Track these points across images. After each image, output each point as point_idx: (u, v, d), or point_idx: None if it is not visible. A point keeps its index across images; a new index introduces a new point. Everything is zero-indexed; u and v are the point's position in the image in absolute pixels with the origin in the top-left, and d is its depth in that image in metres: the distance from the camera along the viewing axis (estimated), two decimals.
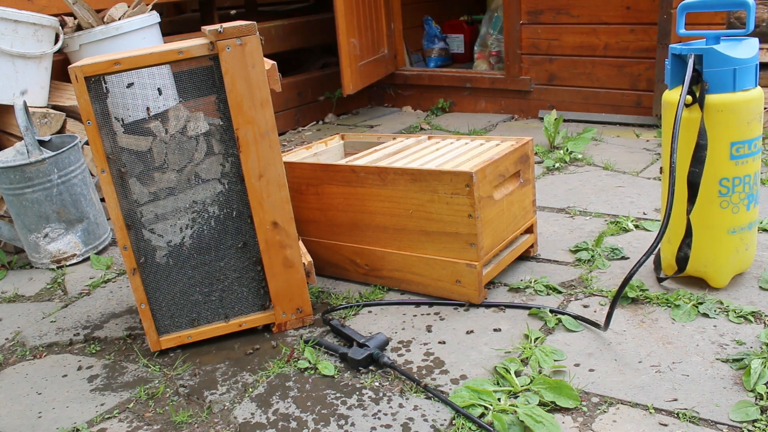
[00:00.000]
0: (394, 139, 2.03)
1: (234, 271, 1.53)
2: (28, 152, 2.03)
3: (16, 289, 2.00)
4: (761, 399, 1.19)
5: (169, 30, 3.11)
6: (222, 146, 1.45)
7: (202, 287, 1.52)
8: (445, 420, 1.23)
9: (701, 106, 1.45)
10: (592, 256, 1.80)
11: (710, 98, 1.44)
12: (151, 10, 2.63)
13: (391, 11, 3.78)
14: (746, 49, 1.45)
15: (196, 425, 1.29)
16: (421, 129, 3.41)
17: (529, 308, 1.57)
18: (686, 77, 1.43)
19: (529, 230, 1.83)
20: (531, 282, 1.69)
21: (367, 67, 3.58)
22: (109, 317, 1.76)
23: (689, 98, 1.46)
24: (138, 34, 2.53)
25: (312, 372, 1.42)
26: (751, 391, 1.22)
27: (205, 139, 1.45)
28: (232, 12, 4.52)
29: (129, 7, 2.59)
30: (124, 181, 1.42)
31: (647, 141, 2.85)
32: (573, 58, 3.24)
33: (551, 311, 1.54)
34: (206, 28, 1.42)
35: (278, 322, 1.58)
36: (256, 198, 1.47)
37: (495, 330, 1.51)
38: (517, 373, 1.32)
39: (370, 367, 1.41)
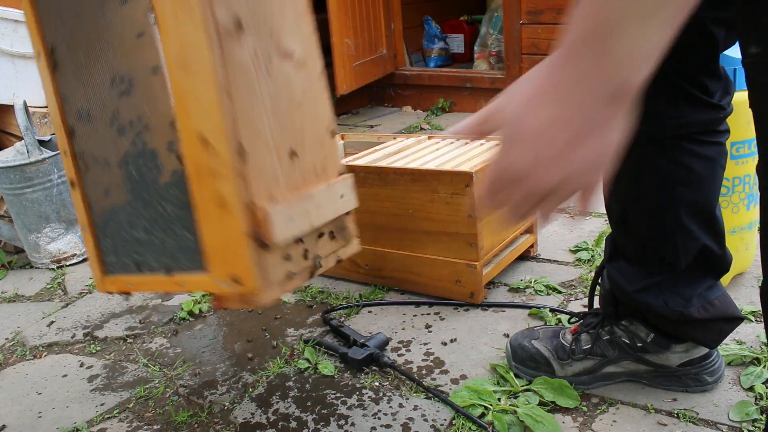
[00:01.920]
0: (394, 139, 2.03)
1: (173, 204, 1.02)
2: (28, 152, 2.03)
3: (16, 289, 2.00)
4: (761, 399, 1.19)
5: None
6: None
7: (144, 221, 1.09)
8: (445, 420, 1.23)
9: None
10: (592, 256, 1.80)
11: None
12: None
13: (391, 11, 3.78)
14: None
15: (196, 425, 1.29)
16: (421, 129, 3.41)
17: (529, 308, 1.57)
18: None
19: (529, 230, 1.83)
20: (531, 282, 1.70)
21: (363, 67, 3.58)
22: (109, 317, 1.76)
23: None
24: None
25: (312, 372, 1.42)
26: (751, 390, 1.22)
27: None
28: None
29: None
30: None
31: None
32: None
33: (551, 311, 1.54)
34: None
35: (217, 293, 1.02)
36: (181, 98, 0.93)
37: (495, 330, 1.51)
38: (517, 374, 1.32)
39: (371, 367, 1.41)
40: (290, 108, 0.98)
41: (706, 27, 0.98)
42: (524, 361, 1.30)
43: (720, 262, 1.16)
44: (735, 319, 1.17)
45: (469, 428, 1.19)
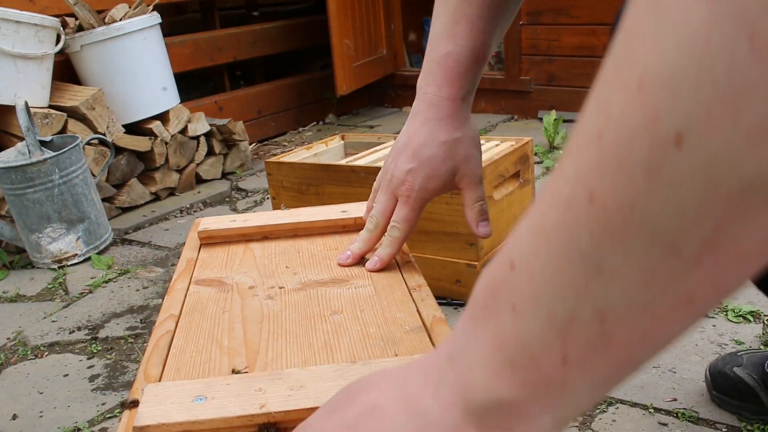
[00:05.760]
0: (394, 139, 2.03)
1: None
2: (29, 152, 2.04)
3: (17, 289, 2.00)
4: None
5: (170, 31, 3.12)
6: None
7: None
8: None
9: None
10: None
11: None
12: (152, 10, 2.64)
13: (391, 12, 3.79)
14: None
15: None
16: None
17: None
18: None
19: None
20: None
21: (363, 68, 3.58)
22: (110, 317, 1.77)
23: None
24: (139, 35, 2.54)
25: None
26: None
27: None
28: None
29: (130, 8, 2.60)
30: None
31: None
32: (573, 58, 3.24)
33: None
34: None
35: None
36: None
37: None
38: None
39: None
40: None
41: None
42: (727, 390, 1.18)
43: None
44: None
45: None
